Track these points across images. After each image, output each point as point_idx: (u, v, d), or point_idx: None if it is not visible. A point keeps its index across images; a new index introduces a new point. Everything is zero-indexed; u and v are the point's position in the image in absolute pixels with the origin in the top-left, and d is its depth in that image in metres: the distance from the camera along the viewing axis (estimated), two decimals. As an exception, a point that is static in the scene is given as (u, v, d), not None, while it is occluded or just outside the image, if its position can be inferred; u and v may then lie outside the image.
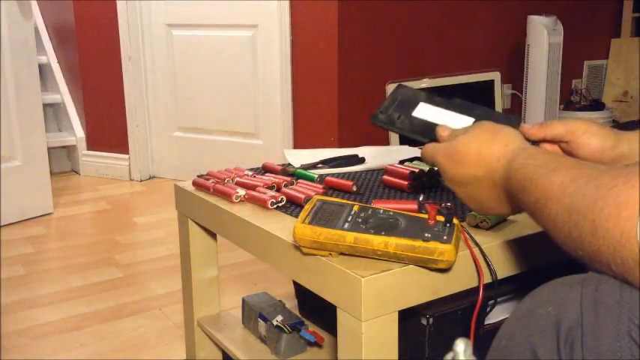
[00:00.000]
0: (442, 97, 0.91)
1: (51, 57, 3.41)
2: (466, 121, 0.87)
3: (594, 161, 0.77)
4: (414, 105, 0.91)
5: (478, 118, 0.85)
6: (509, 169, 0.69)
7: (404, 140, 2.78)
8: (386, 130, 0.93)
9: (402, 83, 0.95)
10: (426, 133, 0.86)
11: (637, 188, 0.49)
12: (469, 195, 0.76)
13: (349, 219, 0.79)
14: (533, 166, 0.65)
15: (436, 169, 1.08)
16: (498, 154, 0.72)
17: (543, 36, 3.20)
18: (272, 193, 1.02)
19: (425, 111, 0.90)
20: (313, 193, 1.00)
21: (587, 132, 0.79)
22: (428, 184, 1.08)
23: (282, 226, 0.91)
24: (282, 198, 1.01)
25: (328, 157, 1.26)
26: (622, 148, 0.78)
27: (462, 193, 0.77)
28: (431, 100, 0.91)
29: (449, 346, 0.54)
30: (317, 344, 1.12)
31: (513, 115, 0.89)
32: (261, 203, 1.01)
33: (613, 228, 0.50)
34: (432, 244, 0.73)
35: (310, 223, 0.78)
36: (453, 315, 0.89)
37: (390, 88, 2.79)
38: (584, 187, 0.55)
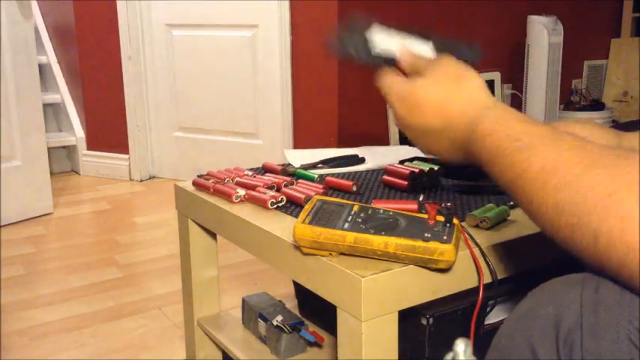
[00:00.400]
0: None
1: (51, 57, 3.41)
2: (424, 48, 0.81)
3: None
4: (368, 33, 0.85)
5: (436, 46, 0.81)
6: (474, 132, 0.66)
7: (404, 140, 2.78)
8: (348, 60, 0.86)
9: (353, 16, 0.88)
10: (388, 61, 0.81)
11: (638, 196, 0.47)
12: (423, 143, 0.74)
13: (349, 219, 0.79)
14: (504, 135, 0.61)
15: (436, 168, 1.09)
16: (461, 109, 0.69)
17: (543, 36, 3.20)
18: (272, 193, 1.02)
19: (381, 37, 0.83)
20: (313, 193, 1.00)
21: (591, 135, 0.78)
22: (428, 184, 1.08)
23: (282, 226, 0.91)
24: (282, 198, 1.01)
25: (328, 157, 1.26)
26: (625, 144, 0.78)
27: (415, 139, 0.74)
28: (384, 27, 0.85)
29: (449, 346, 0.54)
30: (317, 344, 1.12)
31: (474, 45, 0.83)
32: (261, 203, 1.01)
33: (619, 241, 0.48)
34: (432, 244, 0.73)
35: (310, 223, 0.78)
36: (453, 315, 0.89)
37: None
38: (574, 184, 0.52)
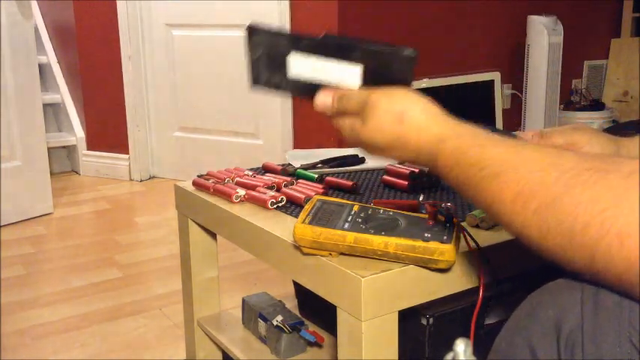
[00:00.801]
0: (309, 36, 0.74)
1: (51, 57, 3.41)
2: (351, 71, 0.72)
3: None
4: (284, 60, 0.74)
5: (364, 62, 0.72)
6: (436, 167, 0.65)
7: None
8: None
9: (255, 27, 0.75)
10: (313, 91, 0.74)
11: (637, 212, 0.46)
12: (372, 150, 0.72)
13: (349, 219, 0.79)
14: (467, 166, 0.60)
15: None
16: (415, 151, 0.67)
17: (543, 36, 3.20)
18: (272, 193, 1.02)
19: (300, 67, 0.74)
20: (313, 193, 1.00)
21: (590, 143, 0.78)
22: (428, 184, 1.08)
23: (282, 226, 0.91)
24: (282, 198, 1.01)
25: (328, 157, 1.27)
26: (623, 153, 0.78)
27: (364, 144, 0.72)
28: (301, 47, 0.73)
29: (449, 346, 0.54)
30: (317, 344, 1.12)
31: (401, 47, 0.71)
32: (261, 203, 1.01)
33: (618, 258, 0.47)
34: (432, 244, 0.73)
35: (310, 223, 0.78)
36: (453, 315, 0.89)
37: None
38: (557, 205, 0.51)
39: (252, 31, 0.75)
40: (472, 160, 0.60)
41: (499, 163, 0.57)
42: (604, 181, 0.49)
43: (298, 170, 1.18)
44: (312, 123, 2.77)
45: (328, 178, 1.11)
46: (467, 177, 0.61)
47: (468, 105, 2.58)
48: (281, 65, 0.74)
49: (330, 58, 0.73)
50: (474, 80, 2.77)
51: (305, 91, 0.75)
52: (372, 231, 0.76)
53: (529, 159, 0.56)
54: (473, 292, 0.81)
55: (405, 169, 1.08)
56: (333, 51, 0.72)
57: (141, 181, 3.18)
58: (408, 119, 0.67)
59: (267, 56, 0.75)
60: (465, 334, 0.61)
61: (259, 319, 1.15)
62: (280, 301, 1.22)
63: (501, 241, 0.84)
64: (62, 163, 3.38)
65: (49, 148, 2.70)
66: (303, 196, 0.99)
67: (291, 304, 1.24)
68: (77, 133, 3.28)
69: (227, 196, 1.05)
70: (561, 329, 0.52)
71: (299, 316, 1.18)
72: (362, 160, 1.26)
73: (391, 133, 0.68)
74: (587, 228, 0.48)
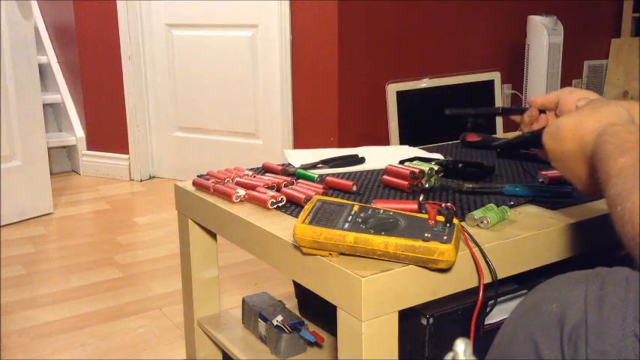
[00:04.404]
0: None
1: (51, 57, 3.41)
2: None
3: None
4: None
5: None
6: (595, 144, 0.70)
7: (404, 140, 2.78)
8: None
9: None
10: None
11: None
12: (568, 170, 0.77)
13: (349, 219, 0.79)
14: (610, 143, 0.65)
15: (436, 169, 1.09)
16: (591, 128, 0.72)
17: (543, 36, 3.20)
18: (272, 193, 1.02)
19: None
20: (313, 193, 1.00)
21: (572, 94, 0.89)
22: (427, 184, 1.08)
23: (282, 226, 0.91)
24: (282, 198, 1.01)
25: (328, 157, 1.26)
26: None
27: (562, 169, 0.78)
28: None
29: (449, 346, 0.54)
30: (317, 344, 1.12)
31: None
32: (261, 203, 1.01)
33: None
34: (432, 244, 0.73)
35: (310, 223, 0.78)
36: (453, 315, 0.89)
37: (390, 88, 2.79)
38: (634, 173, 0.55)
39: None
40: (618, 141, 0.64)
41: (632, 144, 0.62)
42: None
43: (298, 170, 1.18)
44: (312, 123, 2.77)
45: (328, 178, 1.11)
46: (607, 150, 0.65)
47: (468, 105, 2.58)
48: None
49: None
50: (473, 80, 2.77)
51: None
52: (372, 231, 0.76)
53: None
54: (473, 292, 0.81)
55: (405, 169, 1.08)
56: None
57: (141, 181, 3.18)
58: (603, 108, 0.75)
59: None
60: (465, 334, 0.61)
61: (259, 319, 1.15)
62: (280, 301, 1.22)
63: (501, 241, 0.84)
64: (62, 163, 3.38)
65: (49, 148, 2.70)
66: (303, 196, 0.99)
67: (291, 304, 1.24)
68: (77, 133, 3.28)
69: (227, 196, 1.05)
70: (564, 324, 0.52)
71: (299, 316, 1.18)
72: (362, 160, 1.26)
73: (583, 114, 0.75)
74: (633, 188, 0.54)
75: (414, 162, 1.16)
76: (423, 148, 1.40)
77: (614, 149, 0.63)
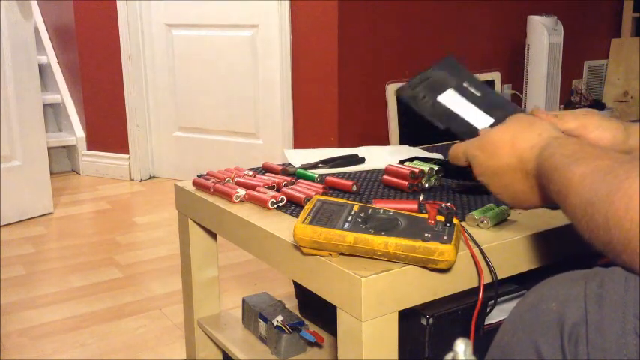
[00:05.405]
0: (479, 87, 0.92)
1: (51, 57, 3.41)
2: (485, 121, 0.88)
3: None
4: (443, 89, 0.91)
5: (498, 122, 0.84)
6: (539, 158, 0.69)
7: (404, 140, 2.78)
8: (407, 105, 0.94)
9: (450, 58, 0.95)
10: (444, 120, 0.88)
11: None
12: (503, 186, 0.77)
13: (349, 219, 0.79)
14: (560, 155, 0.65)
15: (436, 169, 1.09)
16: (531, 143, 0.72)
17: (543, 36, 3.20)
18: (272, 193, 1.02)
19: (450, 98, 0.91)
20: (313, 193, 1.00)
21: (600, 127, 0.80)
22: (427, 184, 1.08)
23: (282, 226, 0.91)
24: (282, 198, 1.01)
25: (328, 157, 1.26)
26: (632, 142, 0.79)
27: (496, 185, 0.77)
28: (460, 90, 0.92)
29: (449, 346, 0.54)
30: (317, 344, 1.12)
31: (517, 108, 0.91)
32: (261, 203, 1.01)
33: (624, 218, 0.50)
34: (432, 244, 0.73)
35: (310, 223, 0.78)
36: (453, 315, 0.89)
37: (390, 88, 2.79)
38: (602, 179, 0.55)
39: (447, 60, 0.95)
40: (566, 152, 0.65)
41: (589, 152, 0.62)
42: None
43: (298, 170, 1.18)
44: (312, 123, 2.77)
45: (328, 178, 1.11)
46: (558, 162, 0.65)
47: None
48: (436, 90, 0.92)
49: (475, 105, 0.91)
50: (474, 80, 2.76)
51: (438, 113, 0.91)
52: (372, 231, 0.76)
53: (611, 156, 0.60)
54: (473, 292, 0.81)
55: (405, 169, 1.08)
56: (479, 102, 0.91)
57: (141, 181, 3.18)
58: (537, 123, 0.75)
59: (433, 80, 0.93)
60: (465, 334, 0.61)
61: (259, 319, 1.15)
62: (280, 301, 1.22)
63: (501, 241, 0.84)
64: (62, 163, 3.38)
65: (49, 148, 2.70)
66: (303, 196, 0.99)
67: (291, 304, 1.24)
68: (77, 133, 3.28)
69: (227, 196, 1.05)
70: (564, 322, 0.52)
71: (299, 316, 1.18)
72: (362, 160, 1.26)
73: (517, 129, 0.75)
74: (610, 192, 0.53)
75: (414, 162, 1.16)
76: (423, 148, 1.40)
77: (566, 160, 0.63)
